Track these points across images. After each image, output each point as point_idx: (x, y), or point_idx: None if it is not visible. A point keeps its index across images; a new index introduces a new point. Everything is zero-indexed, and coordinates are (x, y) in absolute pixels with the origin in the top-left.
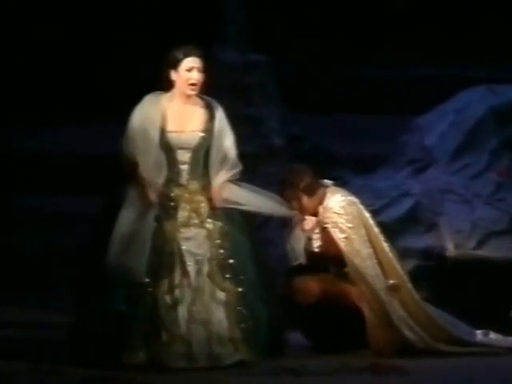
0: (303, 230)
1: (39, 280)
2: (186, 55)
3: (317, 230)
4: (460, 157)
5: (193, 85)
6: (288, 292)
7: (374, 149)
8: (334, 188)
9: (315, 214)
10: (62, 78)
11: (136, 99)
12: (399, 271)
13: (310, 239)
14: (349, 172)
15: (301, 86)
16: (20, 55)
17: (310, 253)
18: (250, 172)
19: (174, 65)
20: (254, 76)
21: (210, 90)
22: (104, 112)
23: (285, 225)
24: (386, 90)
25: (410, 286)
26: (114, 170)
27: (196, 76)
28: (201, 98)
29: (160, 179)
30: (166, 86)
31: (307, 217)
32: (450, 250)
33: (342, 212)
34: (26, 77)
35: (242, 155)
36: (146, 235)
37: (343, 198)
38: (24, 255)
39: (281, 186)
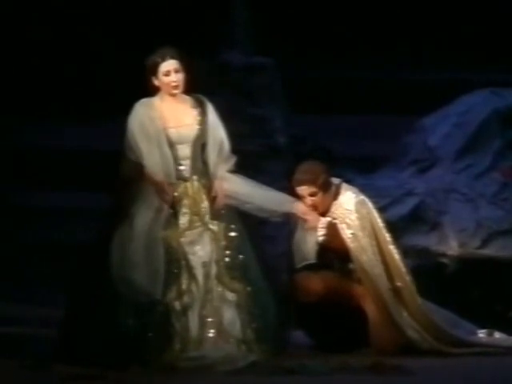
0: (308, 227)
1: (42, 275)
2: (161, 60)
3: (323, 225)
4: (464, 157)
5: (174, 86)
6: (291, 289)
7: (377, 149)
8: (345, 185)
9: (326, 211)
10: (70, 77)
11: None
12: (404, 273)
13: (314, 231)
14: (351, 171)
15: (305, 87)
16: (26, 54)
17: (317, 248)
18: (254, 170)
19: (153, 71)
20: (259, 77)
21: (217, 91)
22: (108, 111)
23: (286, 222)
24: (390, 91)
25: (413, 288)
26: (117, 171)
27: (174, 78)
28: (189, 95)
29: (171, 176)
30: (152, 91)
31: (314, 215)
32: (454, 248)
33: (352, 209)
34: (36, 76)
35: (246, 153)
36: (160, 254)
37: (355, 195)
38: (26, 249)
39: (293, 183)
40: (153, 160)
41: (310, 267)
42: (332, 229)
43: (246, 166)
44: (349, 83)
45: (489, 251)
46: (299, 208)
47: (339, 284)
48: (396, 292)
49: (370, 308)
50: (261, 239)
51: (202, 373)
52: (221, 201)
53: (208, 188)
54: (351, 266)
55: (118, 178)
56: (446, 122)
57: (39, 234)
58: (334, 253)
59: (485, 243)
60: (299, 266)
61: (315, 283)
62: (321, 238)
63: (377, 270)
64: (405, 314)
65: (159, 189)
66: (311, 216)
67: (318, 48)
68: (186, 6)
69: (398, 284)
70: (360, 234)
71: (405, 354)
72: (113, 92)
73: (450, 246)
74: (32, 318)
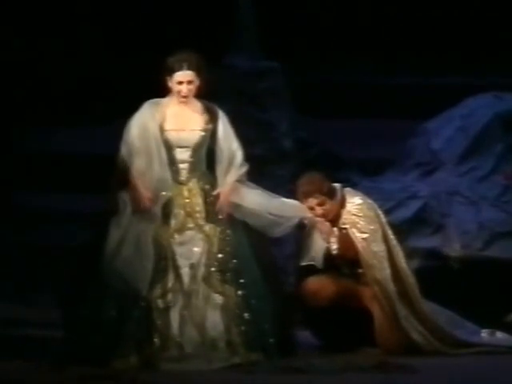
0: (322, 235)
1: (34, 278)
2: (178, 68)
3: (335, 233)
4: (467, 160)
5: (183, 96)
6: (300, 292)
7: (383, 152)
8: (350, 190)
9: (337, 219)
10: (64, 80)
11: (140, 103)
12: (409, 275)
13: (328, 243)
14: (357, 174)
15: (311, 91)
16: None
17: (326, 255)
18: (259, 174)
19: (169, 74)
20: (265, 82)
21: (223, 95)
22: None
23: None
24: (395, 95)
25: (417, 290)
26: (113, 173)
27: (185, 89)
28: (201, 102)
29: (164, 179)
30: (165, 91)
31: (325, 222)
32: (457, 250)
33: (360, 214)
34: (31, 80)
35: (252, 157)
36: (149, 252)
37: (361, 200)
38: (22, 252)
39: (300, 197)
40: (140, 160)
41: (316, 268)
42: (344, 238)
43: (251, 170)
44: (354, 87)
45: (491, 252)
46: (313, 220)
47: (348, 287)
48: (402, 294)
49: (377, 310)
50: (270, 245)
51: (212, 372)
52: (223, 205)
53: (206, 192)
54: (360, 270)
55: (113, 175)
56: (449, 126)
57: (40, 236)
58: (346, 261)
59: (487, 245)
60: (303, 263)
61: (327, 287)
62: (335, 251)
63: (385, 273)
64: (410, 316)
65: (136, 198)
66: (325, 227)
67: (324, 52)
68: (192, 11)
69: (404, 286)
70: (370, 237)
71: (409, 354)
72: (116, 95)
73: (453, 247)
74: (34, 319)
